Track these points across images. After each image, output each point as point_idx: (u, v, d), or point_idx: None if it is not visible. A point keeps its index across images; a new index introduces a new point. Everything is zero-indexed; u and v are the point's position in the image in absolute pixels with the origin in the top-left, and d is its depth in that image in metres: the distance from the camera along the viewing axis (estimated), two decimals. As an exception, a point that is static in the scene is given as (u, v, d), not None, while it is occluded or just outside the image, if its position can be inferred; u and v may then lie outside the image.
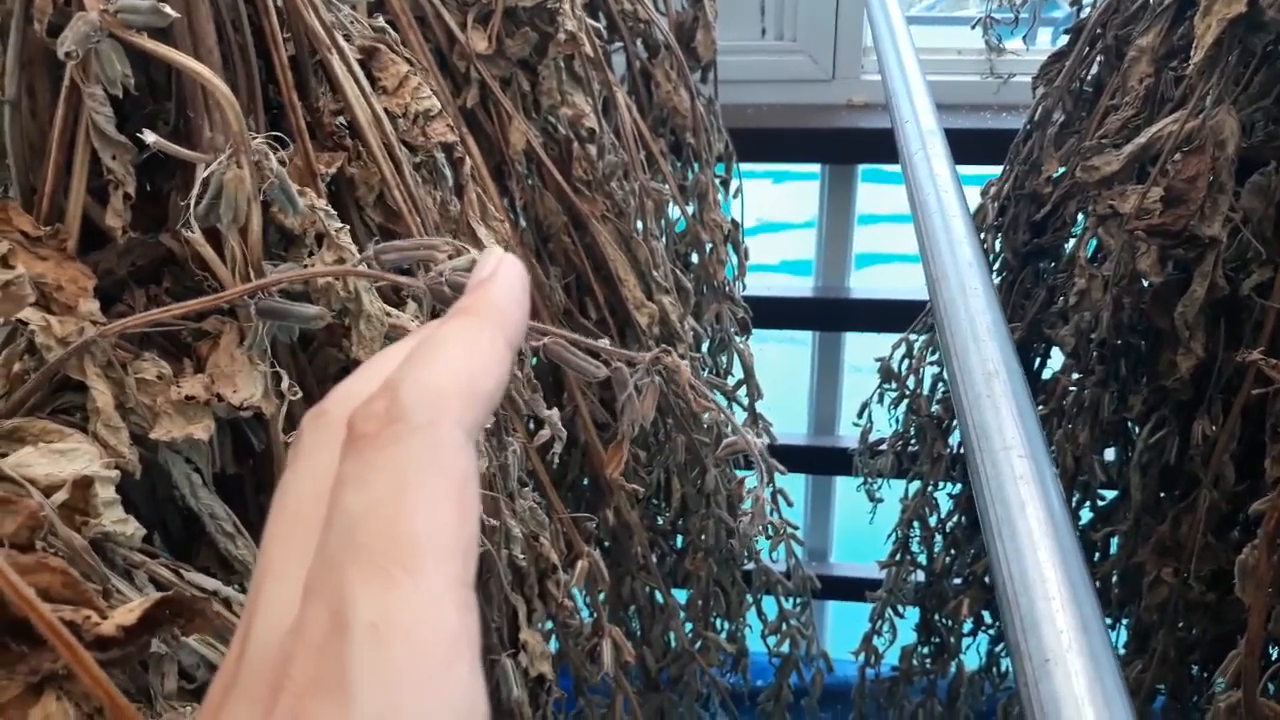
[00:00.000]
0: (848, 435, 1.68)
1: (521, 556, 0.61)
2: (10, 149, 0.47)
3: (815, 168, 1.60)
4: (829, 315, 1.62)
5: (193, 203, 0.41)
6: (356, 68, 0.51)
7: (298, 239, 0.48)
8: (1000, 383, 0.44)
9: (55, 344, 0.43)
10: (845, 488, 1.77)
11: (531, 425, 0.80)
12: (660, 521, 1.06)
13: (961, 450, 1.22)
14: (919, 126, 0.65)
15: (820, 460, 1.69)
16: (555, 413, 0.48)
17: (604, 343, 0.90)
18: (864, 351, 1.60)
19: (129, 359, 0.45)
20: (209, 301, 0.42)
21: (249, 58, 0.50)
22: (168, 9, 0.40)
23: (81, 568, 0.31)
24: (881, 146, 1.48)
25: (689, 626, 1.06)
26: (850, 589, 1.63)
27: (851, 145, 1.48)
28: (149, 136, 0.43)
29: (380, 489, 0.20)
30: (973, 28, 1.42)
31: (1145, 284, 0.81)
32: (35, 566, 0.28)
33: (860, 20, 1.46)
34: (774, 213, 3.39)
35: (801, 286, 1.70)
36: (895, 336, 1.28)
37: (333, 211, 0.46)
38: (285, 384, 0.44)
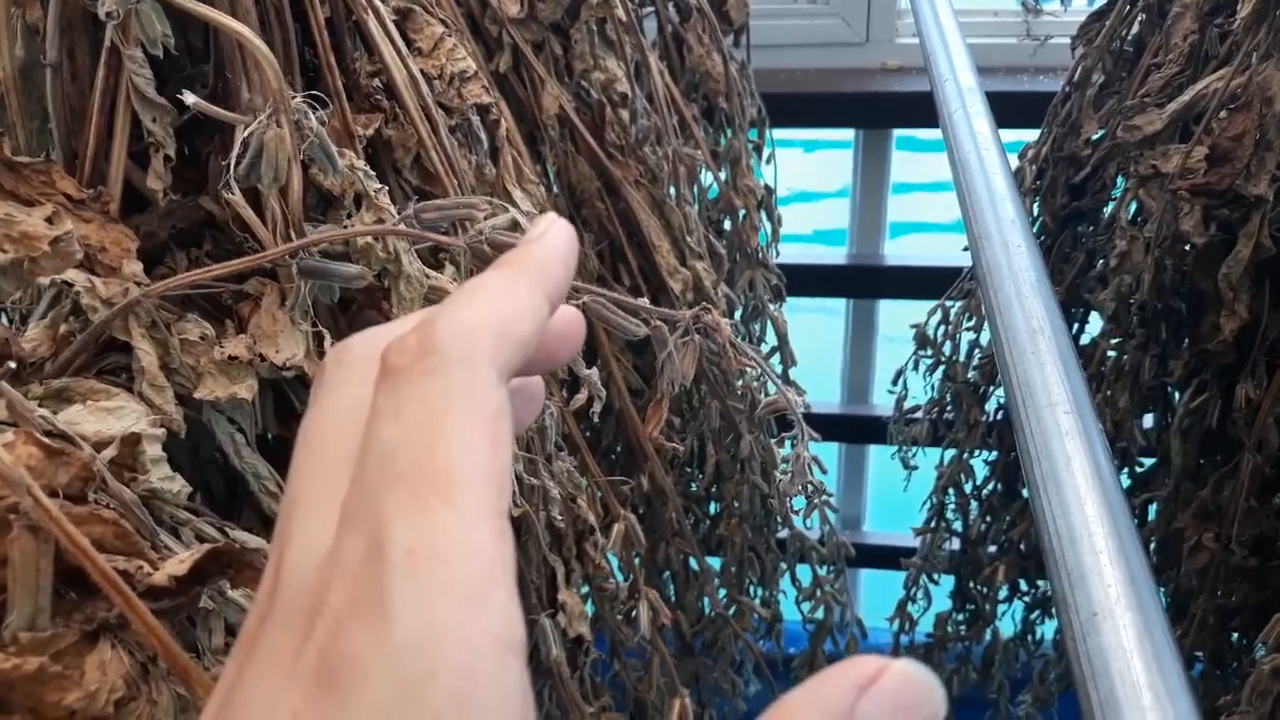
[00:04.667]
0: (881, 404, 1.67)
1: (560, 518, 0.62)
2: (52, 112, 0.47)
3: (848, 135, 1.59)
4: (862, 282, 1.60)
5: (233, 163, 0.41)
6: (393, 29, 0.51)
7: (336, 200, 0.48)
8: (1045, 339, 0.43)
9: (100, 305, 0.44)
10: (879, 456, 1.76)
11: (565, 392, 0.80)
12: (694, 488, 1.06)
13: (998, 417, 1.21)
14: (958, 85, 0.64)
15: (854, 429, 1.68)
16: (594, 372, 0.48)
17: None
18: (898, 321, 1.59)
19: (172, 320, 0.45)
20: (251, 262, 0.42)
21: (285, 19, 0.50)
22: (207, -33, 0.40)
23: (132, 521, 0.32)
24: (916, 110, 1.46)
25: (723, 593, 1.06)
26: (884, 557, 1.63)
27: (886, 109, 1.46)
28: (188, 98, 0.43)
29: (414, 420, 0.20)
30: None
31: (1188, 245, 0.80)
32: (88, 518, 0.28)
33: (894, -19, 1.44)
34: (806, 182, 3.36)
35: (835, 255, 1.69)
36: (929, 304, 1.27)
37: (371, 172, 0.46)
38: (328, 343, 0.44)
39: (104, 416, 0.39)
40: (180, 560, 0.30)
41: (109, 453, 0.36)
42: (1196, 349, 0.85)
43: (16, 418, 0.32)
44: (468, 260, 0.41)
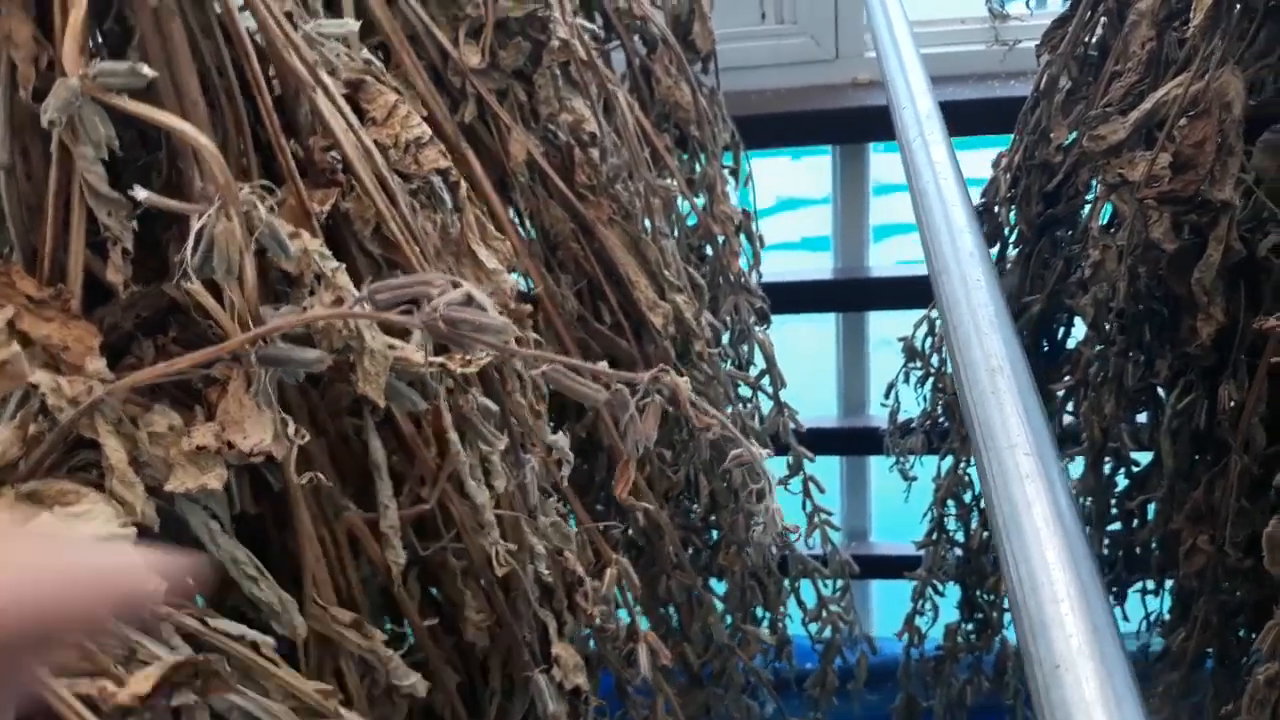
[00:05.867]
0: (878, 415, 1.67)
1: (547, 572, 0.62)
2: (9, 212, 0.47)
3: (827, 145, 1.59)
4: (850, 296, 1.61)
5: (188, 255, 0.41)
6: (343, 103, 0.51)
7: (298, 279, 0.48)
8: (1004, 378, 0.43)
9: (66, 404, 0.44)
10: (880, 466, 1.76)
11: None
12: (692, 517, 1.06)
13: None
14: (916, 111, 0.64)
15: (853, 441, 1.68)
16: (561, 437, 0.48)
17: (622, 344, 0.90)
18: (890, 325, 1.59)
19: (139, 412, 0.46)
20: (211, 354, 0.42)
21: (236, 102, 0.50)
22: (145, 69, 0.40)
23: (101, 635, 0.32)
24: (890, 123, 1.47)
25: (729, 620, 1.06)
26: (892, 567, 1.62)
27: (860, 124, 1.47)
28: (140, 193, 0.44)
29: None
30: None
31: (1161, 251, 0.80)
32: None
33: (860, -3, 1.44)
34: (793, 189, 3.37)
35: (823, 263, 1.69)
36: (919, 312, 1.27)
37: (327, 252, 0.46)
38: (292, 429, 0.45)
39: (73, 522, 0.39)
40: (145, 677, 0.30)
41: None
42: (1178, 351, 0.85)
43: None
44: (424, 337, 0.42)
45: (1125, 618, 1.07)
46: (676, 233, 1.12)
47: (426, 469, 0.56)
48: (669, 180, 1.06)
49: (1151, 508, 1.05)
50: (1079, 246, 1.01)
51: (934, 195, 0.57)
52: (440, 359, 0.52)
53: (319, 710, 0.45)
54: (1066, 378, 1.04)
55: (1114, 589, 1.06)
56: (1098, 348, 0.94)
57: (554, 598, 0.65)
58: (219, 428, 0.46)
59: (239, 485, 0.51)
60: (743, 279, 1.18)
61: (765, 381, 1.20)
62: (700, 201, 1.16)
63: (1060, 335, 1.08)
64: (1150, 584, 1.07)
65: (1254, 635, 0.94)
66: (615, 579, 0.71)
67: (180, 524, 0.47)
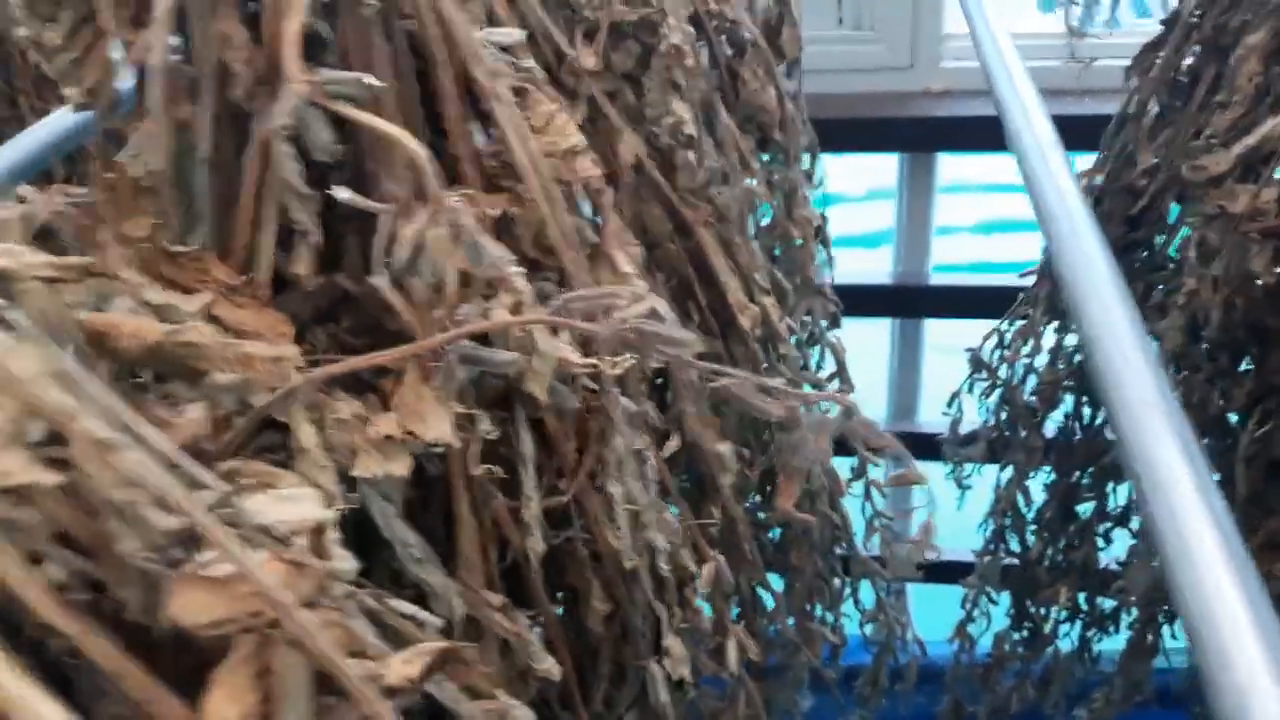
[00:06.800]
0: (926, 421, 1.69)
1: (666, 567, 0.64)
2: (202, 203, 0.50)
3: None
4: (908, 302, 1.62)
5: (397, 255, 0.44)
6: (517, 112, 0.54)
7: (474, 281, 0.50)
8: (1158, 412, 0.45)
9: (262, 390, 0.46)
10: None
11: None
12: (761, 516, 1.09)
13: (1055, 438, 1.23)
14: (1039, 144, 0.66)
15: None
16: (727, 446, 0.50)
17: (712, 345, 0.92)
18: (945, 331, 1.60)
19: (324, 399, 0.48)
20: (412, 350, 0.45)
21: (415, 109, 0.52)
22: (372, 81, 0.43)
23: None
24: (961, 134, 1.48)
25: (791, 621, 1.08)
26: (934, 572, 1.64)
27: (931, 133, 1.48)
28: (342, 193, 0.46)
29: None
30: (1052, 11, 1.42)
31: (1256, 282, 0.82)
32: (327, 625, 0.31)
33: (939, 7, 1.46)
34: (834, 186, 3.38)
35: (863, 262, 1.71)
36: (974, 322, 1.29)
37: (510, 257, 0.48)
38: (485, 426, 0.47)
39: (283, 504, 0.41)
40: (408, 661, 0.32)
41: (300, 542, 0.38)
42: (1261, 380, 0.87)
43: (236, 522, 0.34)
44: (610, 347, 0.44)
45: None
46: (754, 235, 1.14)
47: (565, 463, 0.59)
48: (756, 185, 1.08)
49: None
50: (1160, 272, 1.02)
51: (1071, 240, 0.59)
52: (593, 360, 0.54)
53: (481, 691, 0.47)
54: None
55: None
56: (1177, 373, 0.96)
57: (665, 591, 0.67)
58: (400, 418, 0.48)
59: (396, 472, 0.53)
60: (818, 282, 1.20)
61: (834, 385, 1.22)
62: (778, 203, 1.17)
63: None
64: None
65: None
66: (714, 575, 0.73)
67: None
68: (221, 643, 0.30)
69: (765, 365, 1.01)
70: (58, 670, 0.30)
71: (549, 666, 0.56)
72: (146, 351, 0.39)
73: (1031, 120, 0.73)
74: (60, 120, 0.76)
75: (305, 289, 0.51)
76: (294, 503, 0.41)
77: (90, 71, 0.51)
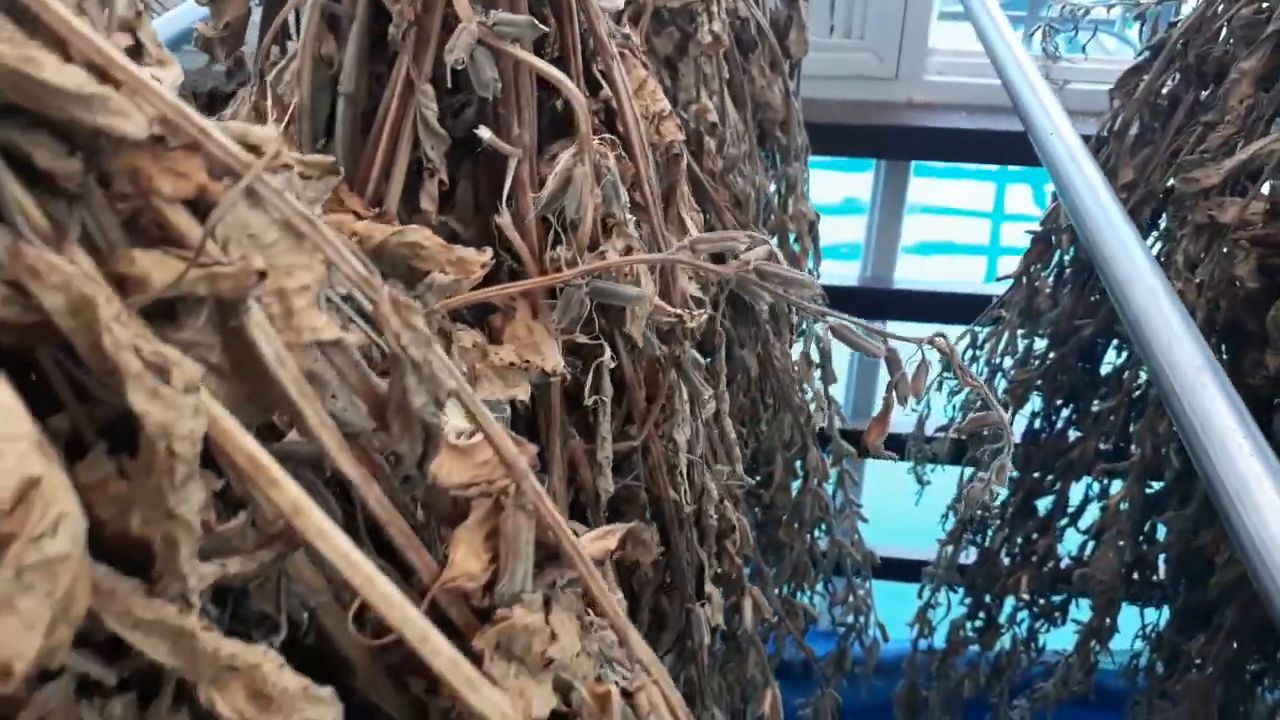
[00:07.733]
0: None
1: (714, 516, 0.68)
2: (340, 137, 0.52)
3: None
4: (875, 304, 1.69)
5: (543, 192, 0.47)
6: (625, 73, 0.57)
7: (579, 223, 0.53)
8: (1209, 375, 0.51)
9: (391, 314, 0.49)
10: (872, 471, 1.85)
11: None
12: (762, 495, 1.13)
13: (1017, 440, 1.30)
14: (1074, 157, 0.71)
15: (857, 444, 1.76)
16: (809, 393, 0.54)
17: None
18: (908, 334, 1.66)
19: (451, 326, 0.51)
20: (546, 281, 0.48)
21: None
22: (539, 25, 0.46)
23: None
24: (938, 145, 1.55)
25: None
26: (888, 570, 1.71)
27: (910, 143, 1.55)
28: (484, 133, 0.49)
29: None
30: (1029, 35, 1.50)
31: (1239, 288, 0.89)
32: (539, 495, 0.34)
33: (927, 20, 1.52)
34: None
35: (848, 277, 1.77)
36: (936, 326, 1.35)
37: (626, 201, 0.52)
38: (607, 355, 0.50)
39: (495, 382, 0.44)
40: (601, 537, 0.36)
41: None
42: (1237, 381, 0.94)
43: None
44: (733, 285, 0.48)
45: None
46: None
47: (636, 409, 0.62)
48: (761, 177, 1.12)
49: (1160, 528, 1.15)
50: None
51: (1100, 218, 0.64)
52: (678, 311, 0.58)
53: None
54: (1110, 399, 1.13)
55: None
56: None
57: (706, 541, 0.71)
58: (516, 348, 0.51)
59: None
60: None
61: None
62: (777, 199, 1.22)
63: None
64: (1165, 604, 1.17)
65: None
66: (742, 532, 0.77)
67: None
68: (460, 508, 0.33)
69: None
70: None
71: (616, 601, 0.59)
72: (370, 252, 0.42)
73: (1061, 131, 0.78)
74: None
75: (432, 226, 0.54)
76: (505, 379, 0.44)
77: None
